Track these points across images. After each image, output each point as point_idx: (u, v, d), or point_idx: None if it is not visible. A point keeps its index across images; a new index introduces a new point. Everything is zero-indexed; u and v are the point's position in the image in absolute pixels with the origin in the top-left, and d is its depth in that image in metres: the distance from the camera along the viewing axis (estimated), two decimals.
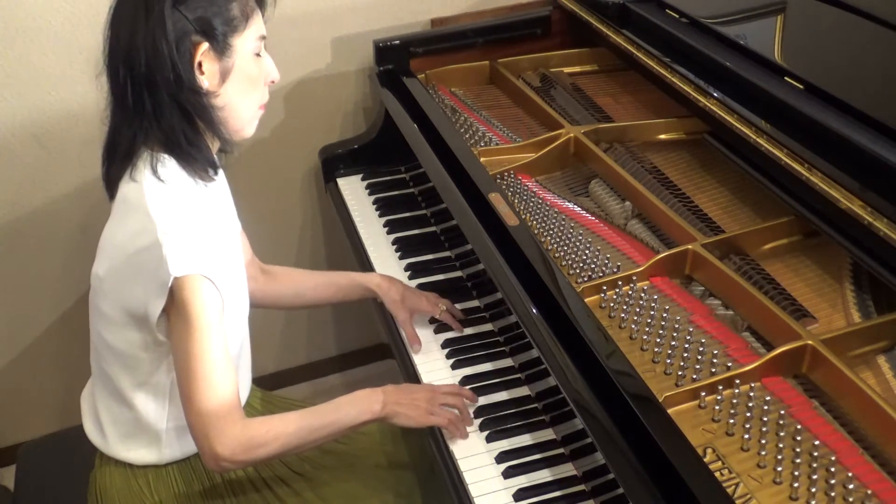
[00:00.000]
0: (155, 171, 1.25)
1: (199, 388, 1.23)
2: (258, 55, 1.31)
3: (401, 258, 1.81)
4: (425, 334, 1.61)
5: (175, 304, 1.23)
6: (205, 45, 1.23)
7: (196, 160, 1.28)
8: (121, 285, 1.28)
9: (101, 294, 1.32)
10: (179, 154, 1.27)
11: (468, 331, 1.61)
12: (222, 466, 1.26)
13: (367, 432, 1.59)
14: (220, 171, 1.40)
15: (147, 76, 1.21)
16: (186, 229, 1.23)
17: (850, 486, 1.09)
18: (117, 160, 1.29)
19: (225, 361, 1.25)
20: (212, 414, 1.23)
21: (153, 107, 1.23)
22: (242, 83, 1.29)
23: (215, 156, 1.34)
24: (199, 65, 1.24)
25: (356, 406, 1.35)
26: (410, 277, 1.75)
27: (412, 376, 1.54)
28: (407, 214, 1.93)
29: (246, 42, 1.28)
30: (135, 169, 1.26)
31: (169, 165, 1.26)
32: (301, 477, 1.48)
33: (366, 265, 1.81)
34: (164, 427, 1.37)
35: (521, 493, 1.29)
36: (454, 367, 1.53)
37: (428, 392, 1.41)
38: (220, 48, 1.25)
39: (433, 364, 1.55)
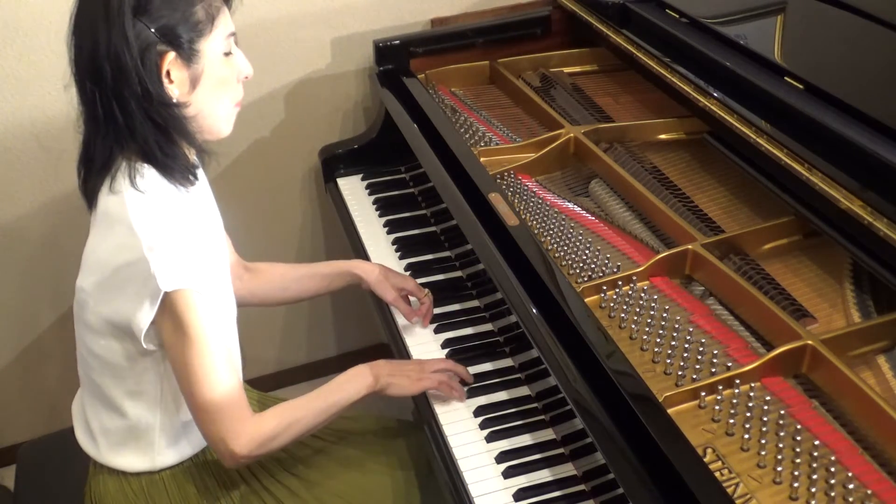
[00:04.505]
0: (134, 183, 1.23)
1: (206, 396, 1.24)
2: (228, 54, 1.27)
3: (401, 258, 1.81)
4: (425, 334, 1.61)
5: (168, 318, 1.22)
6: (171, 55, 1.20)
7: (173, 168, 1.27)
8: (106, 299, 1.27)
9: (87, 307, 1.31)
10: (156, 163, 1.25)
11: (468, 331, 1.61)
12: (241, 463, 1.31)
13: (365, 432, 1.59)
14: (201, 172, 1.39)
15: (115, 90, 1.19)
16: (172, 242, 1.22)
17: (850, 486, 1.09)
18: (94, 172, 1.27)
19: (226, 365, 1.26)
20: (224, 419, 1.25)
21: (124, 119, 1.21)
22: (214, 86, 1.26)
23: (195, 158, 1.33)
24: (168, 73, 1.21)
25: (354, 383, 1.39)
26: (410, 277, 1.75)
27: None
28: (407, 214, 1.93)
29: (214, 44, 1.24)
30: (114, 181, 1.24)
31: (147, 175, 1.24)
32: (298, 478, 1.48)
33: None
34: (156, 434, 1.37)
35: (521, 493, 1.28)
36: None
37: (417, 363, 1.46)
38: (187, 55, 1.22)
39: None
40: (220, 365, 1.25)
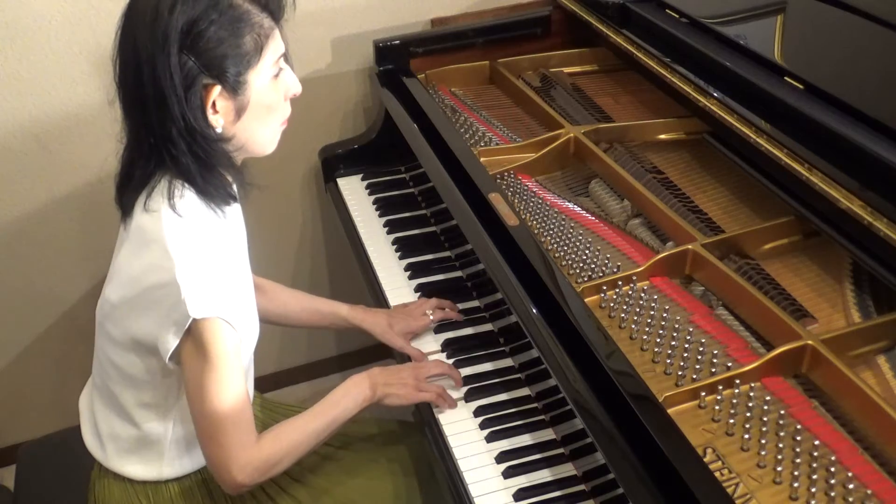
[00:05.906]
0: (172, 203, 1.21)
1: (216, 421, 1.23)
2: (277, 75, 1.25)
3: (401, 258, 1.81)
4: (425, 334, 1.61)
5: (192, 342, 1.22)
6: (217, 89, 1.18)
7: (213, 196, 1.25)
8: (133, 315, 1.26)
9: (112, 319, 1.31)
10: (196, 188, 1.24)
11: (468, 331, 1.61)
12: (241, 490, 1.30)
13: (367, 436, 1.59)
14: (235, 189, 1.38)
15: (159, 125, 1.17)
16: (205, 269, 1.21)
17: (850, 486, 1.09)
18: (131, 189, 1.25)
19: (241, 393, 1.26)
20: (230, 445, 1.25)
21: (168, 151, 1.19)
22: (260, 113, 1.24)
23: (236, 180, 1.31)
24: (213, 104, 1.19)
25: (351, 398, 1.38)
26: (410, 277, 1.75)
27: None
28: (407, 214, 1.93)
29: (262, 74, 1.22)
30: (150, 198, 1.22)
31: (187, 196, 1.22)
32: (303, 485, 1.48)
33: (366, 265, 1.81)
34: (166, 446, 1.37)
35: (521, 493, 1.29)
36: (454, 367, 1.53)
37: (412, 369, 1.45)
38: (233, 87, 1.19)
39: None
40: (235, 391, 1.24)
